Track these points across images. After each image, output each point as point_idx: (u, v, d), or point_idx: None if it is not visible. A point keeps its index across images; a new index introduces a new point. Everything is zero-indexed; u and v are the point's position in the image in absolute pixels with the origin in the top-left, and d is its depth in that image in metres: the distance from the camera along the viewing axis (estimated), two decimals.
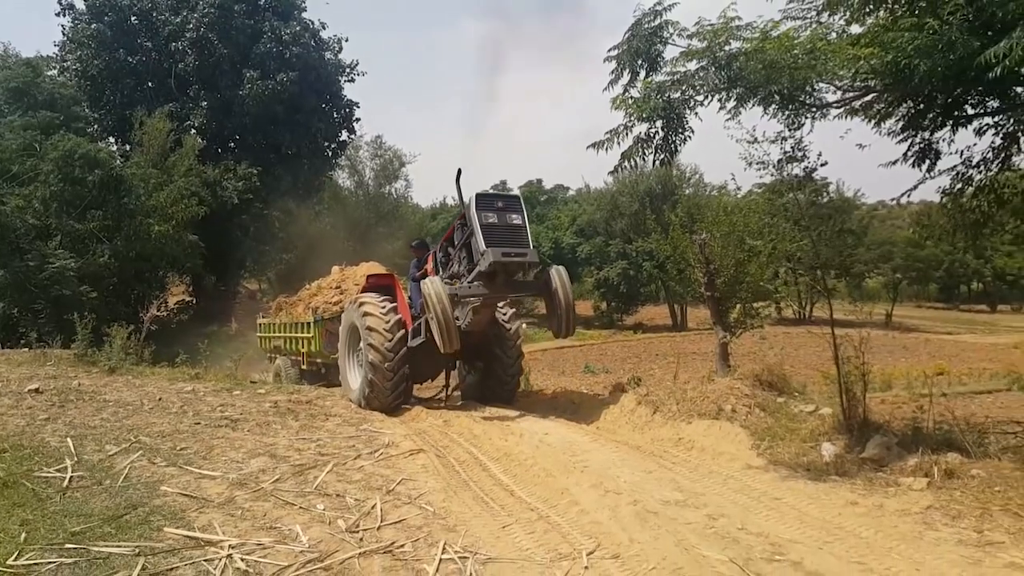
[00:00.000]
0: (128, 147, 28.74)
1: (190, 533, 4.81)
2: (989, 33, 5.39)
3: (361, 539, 4.90)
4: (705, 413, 8.31)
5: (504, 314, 11.17)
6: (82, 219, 20.40)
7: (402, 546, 4.80)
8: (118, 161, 24.95)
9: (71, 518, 4.97)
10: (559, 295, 9.26)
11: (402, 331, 10.03)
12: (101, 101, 30.21)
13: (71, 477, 5.82)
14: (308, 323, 14.20)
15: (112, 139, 31.32)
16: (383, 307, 10.19)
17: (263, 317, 17.70)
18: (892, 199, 22.49)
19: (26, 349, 12.92)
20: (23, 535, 4.60)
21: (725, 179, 70.42)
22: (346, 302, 12.39)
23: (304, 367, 14.90)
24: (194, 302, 30.87)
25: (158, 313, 24.19)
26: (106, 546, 4.53)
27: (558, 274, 9.43)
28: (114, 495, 5.51)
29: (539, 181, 76.09)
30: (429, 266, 10.67)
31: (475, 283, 9.10)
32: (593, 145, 7.56)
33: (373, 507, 5.49)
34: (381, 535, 5.00)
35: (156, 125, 25.89)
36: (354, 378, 10.73)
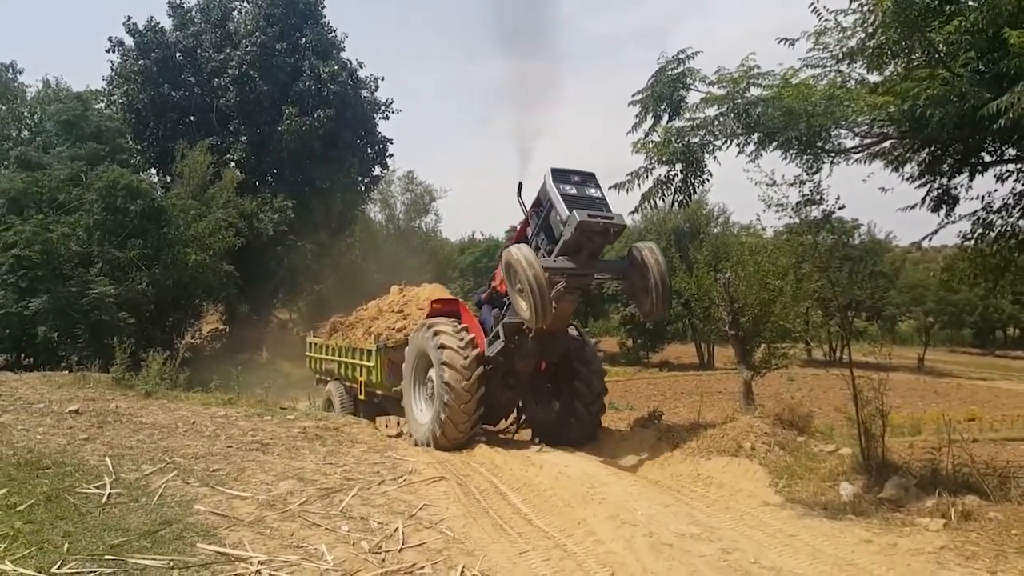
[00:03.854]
0: (169, 178, 29.58)
1: (222, 549, 5.03)
2: (1004, 84, 5.55)
3: (383, 560, 5.08)
4: (725, 450, 8.37)
5: (583, 336, 10.44)
6: (123, 247, 20.97)
7: (422, 568, 4.98)
8: (159, 192, 25.64)
9: (110, 532, 5.20)
10: (653, 269, 8.36)
11: (480, 368, 9.30)
12: (145, 134, 31.19)
13: (109, 494, 6.07)
14: (369, 351, 12.94)
15: (154, 170, 32.24)
16: (461, 338, 9.45)
17: (314, 336, 16.47)
18: (913, 243, 22.31)
19: (66, 372, 13.25)
20: (66, 546, 4.84)
21: (751, 219, 70.23)
22: (410, 328, 11.78)
23: (361, 397, 13.73)
24: (227, 330, 31.39)
25: (192, 340, 24.65)
26: (142, 559, 4.75)
27: (648, 248, 8.64)
28: (150, 512, 5.75)
29: None
30: (496, 282, 10.07)
31: (559, 258, 8.33)
32: (615, 186, 7.81)
33: (395, 530, 5.67)
34: (402, 557, 5.18)
35: (197, 158, 26.63)
36: (421, 413, 10.13)
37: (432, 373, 9.69)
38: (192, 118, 32.12)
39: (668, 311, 8.86)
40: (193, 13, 32.77)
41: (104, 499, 5.95)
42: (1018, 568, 5.18)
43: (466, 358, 9.20)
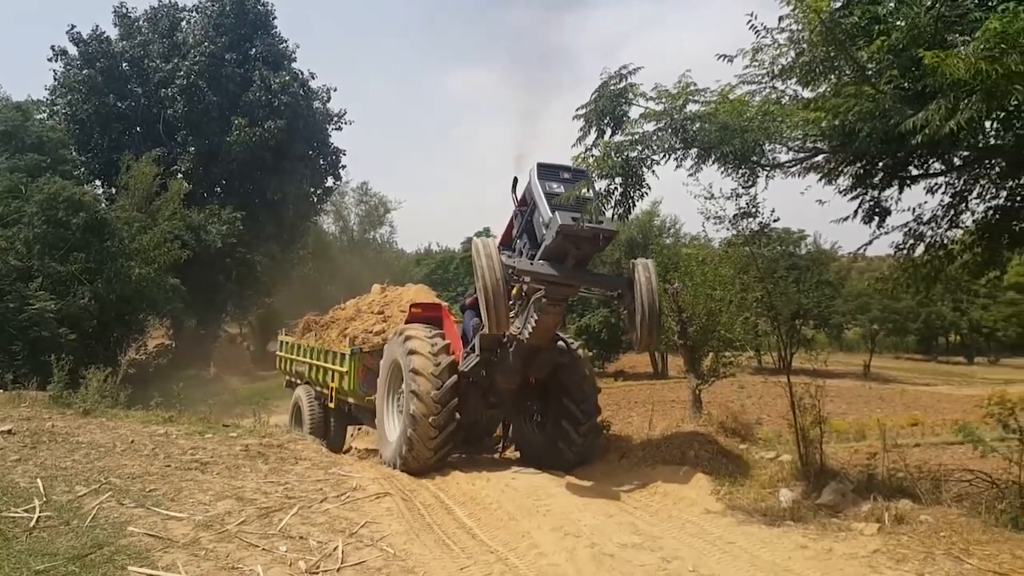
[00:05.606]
0: (114, 190, 28.97)
1: (153, 572, 4.91)
2: (925, 101, 5.74)
3: None
4: (670, 459, 8.50)
5: (574, 348, 9.67)
6: (64, 261, 20.44)
7: None
8: (103, 204, 25.10)
9: (36, 557, 5.03)
10: (641, 294, 7.37)
11: (453, 377, 8.61)
12: (89, 145, 30.57)
13: (39, 517, 5.86)
14: (342, 354, 11.95)
15: (98, 182, 31.62)
16: (433, 344, 8.76)
17: (286, 335, 15.50)
18: (850, 253, 22.77)
19: (1, 391, 12.85)
20: None
21: (698, 230, 70.86)
22: (390, 332, 11.02)
23: (331, 404, 12.74)
24: (173, 345, 30.79)
25: (136, 356, 24.10)
26: None
27: (644, 268, 7.55)
28: (80, 535, 5.57)
29: None
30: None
31: (540, 263, 7.46)
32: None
33: (335, 549, 5.60)
34: None
35: (142, 169, 26.14)
36: (391, 429, 9.46)
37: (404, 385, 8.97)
38: (138, 129, 31.63)
39: (656, 344, 8.01)
40: (140, 23, 32.34)
41: (32, 523, 5.74)
42: (944, 569, 5.36)
43: (437, 365, 8.54)
